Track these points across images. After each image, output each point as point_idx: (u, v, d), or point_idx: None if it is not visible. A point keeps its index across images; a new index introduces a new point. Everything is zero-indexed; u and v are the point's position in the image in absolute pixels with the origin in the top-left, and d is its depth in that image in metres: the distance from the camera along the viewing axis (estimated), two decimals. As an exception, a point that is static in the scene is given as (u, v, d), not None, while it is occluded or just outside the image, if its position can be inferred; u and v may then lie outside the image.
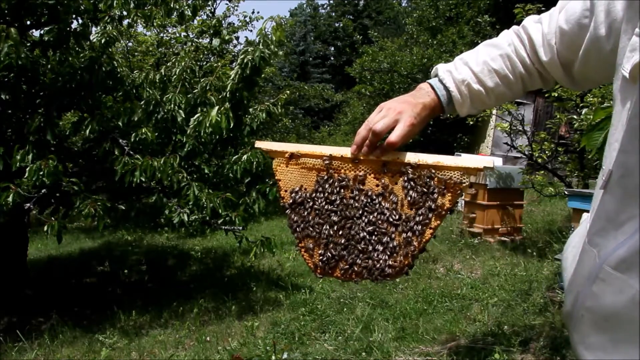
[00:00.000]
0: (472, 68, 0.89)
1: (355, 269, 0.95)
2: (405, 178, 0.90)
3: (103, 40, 3.64)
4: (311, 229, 0.97)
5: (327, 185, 0.95)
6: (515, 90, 0.91)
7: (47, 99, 3.78)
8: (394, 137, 0.86)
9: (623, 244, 0.57)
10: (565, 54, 0.81)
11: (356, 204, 0.94)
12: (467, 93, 0.89)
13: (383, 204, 0.92)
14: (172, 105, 3.90)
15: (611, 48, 0.68)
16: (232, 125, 3.66)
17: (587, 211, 3.15)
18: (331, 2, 29.13)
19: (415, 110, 0.87)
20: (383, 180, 0.92)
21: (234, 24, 11.96)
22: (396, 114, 0.87)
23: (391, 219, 0.91)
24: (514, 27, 0.91)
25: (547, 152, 5.57)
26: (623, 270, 0.57)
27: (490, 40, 0.92)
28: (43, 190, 3.40)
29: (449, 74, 0.90)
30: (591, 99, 4.21)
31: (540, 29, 0.85)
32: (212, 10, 10.40)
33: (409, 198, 0.90)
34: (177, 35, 10.16)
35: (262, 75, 4.40)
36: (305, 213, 0.97)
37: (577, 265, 0.69)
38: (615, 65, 0.65)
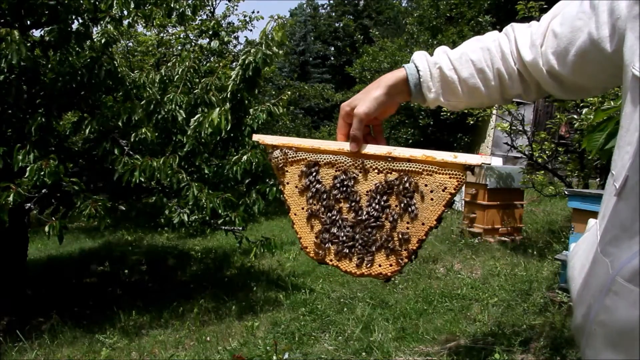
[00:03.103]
0: (449, 55, 0.86)
1: None
2: None
3: (103, 40, 3.64)
4: None
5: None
6: (491, 88, 0.85)
7: (47, 98, 3.78)
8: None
9: (637, 255, 0.54)
10: (551, 57, 0.78)
11: None
12: (438, 77, 0.86)
13: None
14: (173, 105, 3.90)
15: (615, 48, 0.66)
16: (229, 126, 3.66)
17: (588, 211, 3.15)
18: (331, 2, 29.13)
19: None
20: None
21: (233, 23, 11.95)
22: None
23: None
24: (505, 28, 0.88)
25: (547, 152, 5.56)
26: (637, 282, 0.54)
27: (476, 36, 0.90)
28: (43, 190, 3.40)
29: (423, 56, 0.88)
30: (591, 99, 4.20)
31: (528, 31, 0.82)
32: (212, 10, 10.40)
33: None
34: (177, 35, 10.16)
35: (262, 75, 4.40)
36: None
37: (588, 275, 0.66)
38: (622, 65, 0.63)
